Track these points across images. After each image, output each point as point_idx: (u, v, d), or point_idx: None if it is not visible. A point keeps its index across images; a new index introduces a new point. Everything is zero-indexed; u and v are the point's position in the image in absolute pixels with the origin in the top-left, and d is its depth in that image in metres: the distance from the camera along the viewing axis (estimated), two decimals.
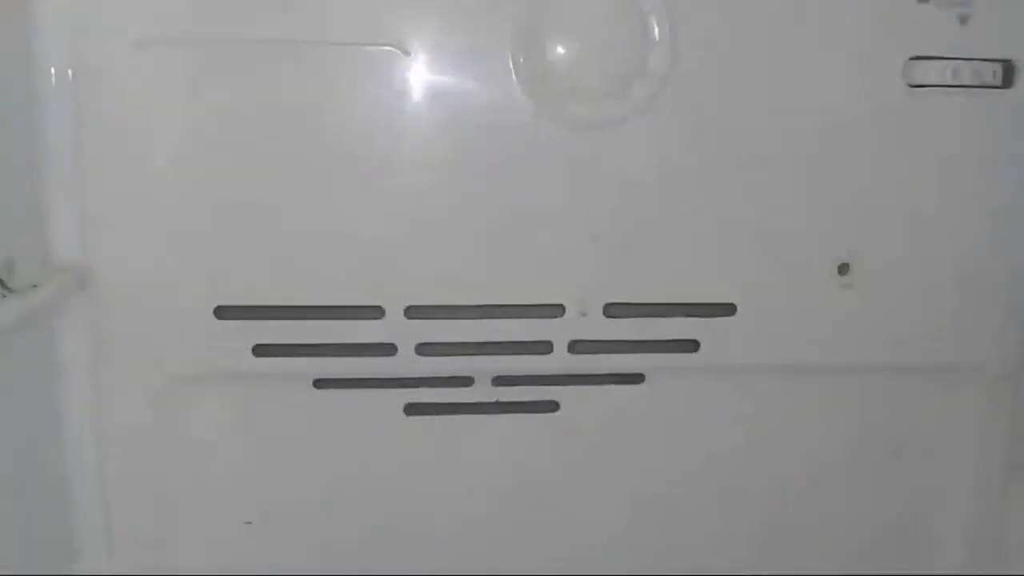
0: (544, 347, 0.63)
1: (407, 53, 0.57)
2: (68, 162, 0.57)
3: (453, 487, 0.66)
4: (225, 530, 0.64)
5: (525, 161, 0.60)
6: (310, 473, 0.65)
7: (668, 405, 0.67)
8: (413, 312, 0.61)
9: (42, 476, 0.59)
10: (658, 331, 0.64)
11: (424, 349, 0.62)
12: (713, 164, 0.62)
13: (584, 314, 0.63)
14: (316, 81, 0.58)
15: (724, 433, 0.68)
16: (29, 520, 0.57)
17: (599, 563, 0.69)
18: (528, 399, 0.65)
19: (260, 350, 0.61)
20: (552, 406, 0.66)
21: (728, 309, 0.64)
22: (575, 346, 0.64)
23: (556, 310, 0.63)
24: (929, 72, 0.62)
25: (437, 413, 0.65)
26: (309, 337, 0.61)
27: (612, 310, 0.63)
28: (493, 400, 0.65)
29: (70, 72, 0.56)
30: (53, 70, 0.56)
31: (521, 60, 0.58)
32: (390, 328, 0.61)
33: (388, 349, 0.62)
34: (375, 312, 0.61)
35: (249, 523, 0.64)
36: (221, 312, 0.60)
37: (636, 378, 0.66)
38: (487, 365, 0.64)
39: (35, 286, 0.54)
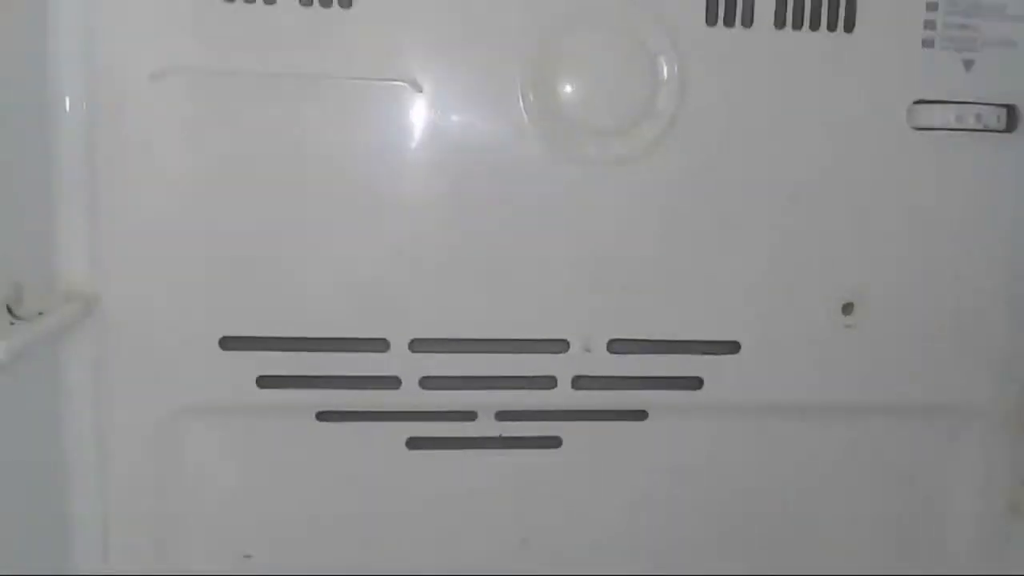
0: (548, 382, 0.63)
1: (419, 89, 0.58)
2: (79, 191, 0.57)
3: (455, 521, 0.66)
4: (225, 562, 0.64)
5: (533, 197, 0.61)
6: (311, 506, 0.64)
7: (671, 442, 0.66)
8: (418, 345, 0.61)
9: (44, 502, 0.59)
10: (662, 368, 0.64)
11: (428, 383, 0.62)
12: (719, 203, 0.62)
13: (588, 350, 0.63)
14: (327, 115, 0.58)
15: (727, 471, 0.68)
16: (31, 547, 0.56)
17: None
18: (531, 434, 0.65)
19: (264, 381, 0.60)
20: (555, 441, 0.65)
21: (732, 347, 0.64)
22: (579, 382, 0.64)
23: (560, 345, 0.63)
24: (934, 116, 0.63)
25: (440, 447, 0.64)
26: (313, 369, 0.61)
27: (616, 346, 0.63)
28: (496, 435, 0.65)
29: (84, 103, 0.56)
30: (68, 100, 0.56)
31: (531, 98, 0.59)
32: (394, 361, 0.61)
33: (392, 382, 0.62)
34: (380, 345, 0.61)
35: (249, 556, 0.64)
36: (226, 343, 0.60)
37: (639, 415, 0.66)
38: (491, 399, 0.64)
39: (42, 313, 0.54)
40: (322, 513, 0.64)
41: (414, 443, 0.64)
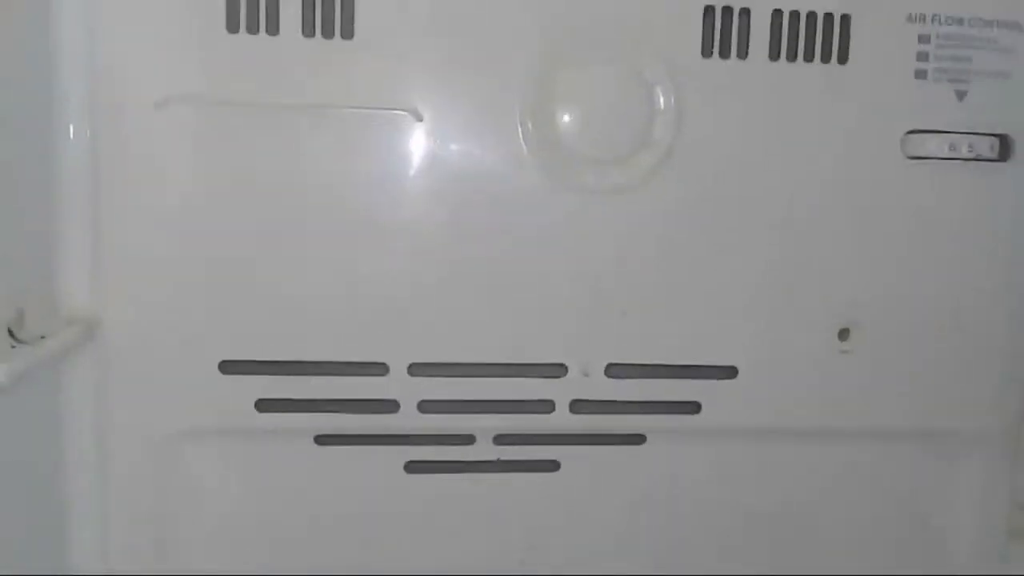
0: (546, 406, 0.64)
1: (419, 118, 0.59)
2: (81, 217, 0.57)
3: (453, 545, 0.66)
4: None
5: (531, 224, 0.61)
6: (310, 530, 0.64)
7: (669, 466, 0.67)
8: (416, 370, 0.62)
9: (44, 524, 0.59)
10: (660, 392, 0.65)
11: (426, 406, 0.62)
12: (715, 230, 0.63)
13: (586, 374, 0.64)
14: (328, 143, 0.59)
15: (725, 495, 0.68)
16: (30, 568, 0.57)
17: None
18: (529, 458, 0.65)
19: (263, 405, 0.61)
20: (553, 465, 0.66)
21: (730, 372, 0.65)
22: (577, 406, 0.64)
23: (558, 370, 0.63)
24: (928, 145, 0.64)
25: (438, 471, 0.64)
26: (312, 393, 0.61)
27: (614, 371, 0.64)
28: (494, 459, 0.65)
29: (88, 130, 0.57)
30: (72, 127, 0.57)
31: (530, 127, 0.60)
32: (393, 385, 0.62)
33: (391, 406, 0.62)
34: (379, 369, 0.61)
35: None
36: (226, 367, 0.60)
37: (637, 439, 0.66)
38: (489, 423, 0.64)
39: (43, 337, 0.55)
40: (320, 537, 0.64)
41: (412, 467, 0.64)
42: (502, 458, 0.65)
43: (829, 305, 0.65)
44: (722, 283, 0.63)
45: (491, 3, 0.59)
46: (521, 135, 0.60)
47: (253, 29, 0.57)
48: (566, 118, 0.60)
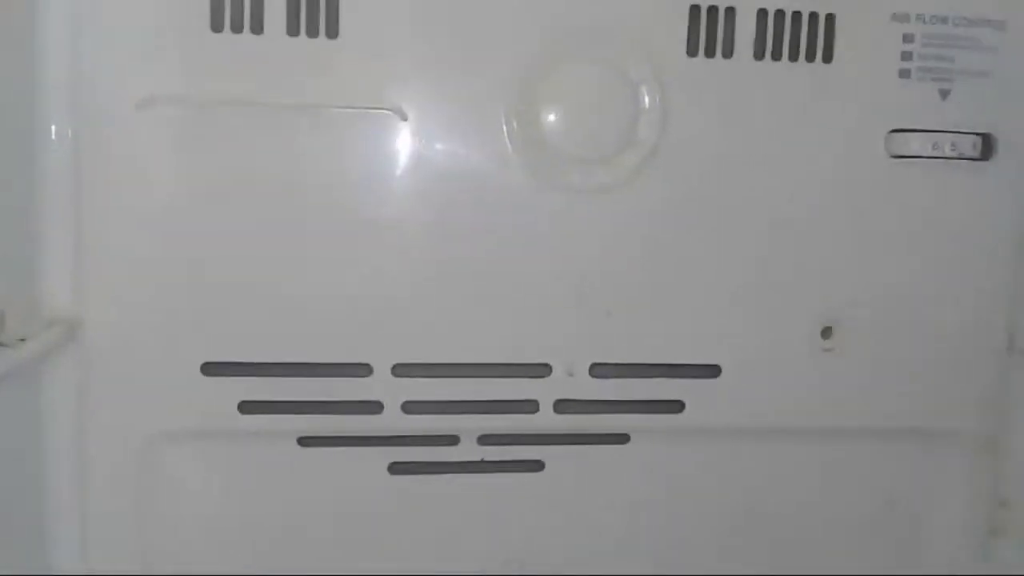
0: (530, 406, 0.64)
1: (404, 118, 0.59)
2: (63, 218, 0.57)
3: (438, 546, 0.66)
4: None
5: (516, 223, 0.61)
6: (293, 531, 0.64)
7: (653, 465, 0.67)
8: (400, 370, 0.62)
9: (24, 526, 0.58)
10: (644, 392, 0.65)
11: (410, 407, 0.62)
12: (700, 229, 0.63)
13: (571, 374, 0.64)
14: (311, 142, 0.58)
15: (709, 494, 0.68)
16: (11, 568, 0.56)
17: None
18: (514, 458, 0.65)
19: (246, 407, 0.60)
20: (538, 465, 0.66)
21: (713, 371, 0.65)
22: (561, 406, 0.64)
23: (543, 370, 0.63)
24: (911, 144, 0.64)
25: (422, 472, 0.64)
26: (296, 394, 0.61)
27: (598, 370, 0.64)
28: (479, 459, 0.65)
29: (70, 130, 0.56)
30: (54, 127, 0.56)
31: (515, 126, 0.60)
32: (377, 386, 0.61)
33: (374, 407, 0.62)
34: (363, 370, 0.61)
35: None
36: (208, 368, 0.60)
37: (622, 438, 0.66)
38: (473, 424, 0.64)
39: (24, 339, 0.54)
40: (304, 539, 0.64)
41: (396, 468, 0.64)
42: (486, 458, 0.65)
43: (812, 304, 0.65)
44: (706, 282, 0.64)
45: (476, 3, 0.59)
46: (506, 134, 0.60)
47: (237, 28, 0.56)
48: (551, 117, 0.60)
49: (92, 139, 0.56)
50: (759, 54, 0.61)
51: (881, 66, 0.63)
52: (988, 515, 0.70)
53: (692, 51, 0.61)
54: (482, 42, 0.59)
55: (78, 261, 0.58)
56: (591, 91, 0.60)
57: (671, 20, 0.60)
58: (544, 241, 0.61)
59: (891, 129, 0.63)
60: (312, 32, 0.57)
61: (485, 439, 0.65)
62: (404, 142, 0.59)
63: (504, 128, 0.59)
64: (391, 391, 0.62)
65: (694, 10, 0.60)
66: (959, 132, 0.64)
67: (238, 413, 0.60)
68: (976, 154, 0.65)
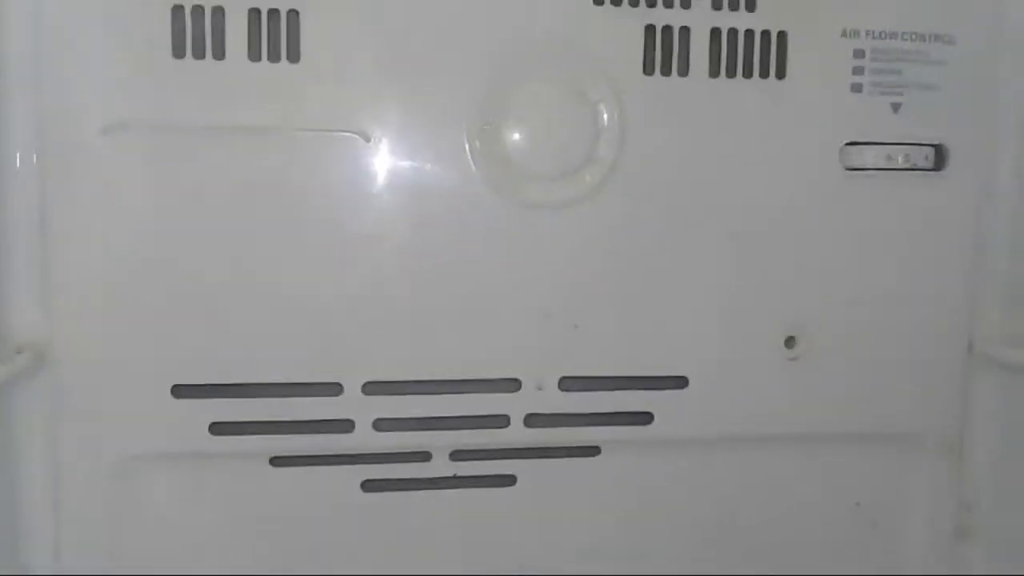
0: (501, 421, 0.64)
1: (368, 139, 0.60)
2: (30, 244, 0.57)
3: (411, 562, 0.66)
4: None
5: (480, 241, 0.62)
6: (268, 551, 0.64)
7: (624, 477, 0.68)
8: (371, 388, 0.62)
9: None
10: (612, 404, 0.66)
11: (382, 424, 0.63)
12: (662, 243, 0.64)
13: (540, 388, 0.64)
14: (276, 166, 0.59)
15: (680, 504, 0.69)
16: None
17: None
18: (486, 473, 0.66)
19: (217, 428, 0.61)
20: (510, 480, 0.66)
21: (680, 382, 0.66)
22: (531, 420, 0.65)
23: (512, 384, 0.64)
24: (865, 157, 0.65)
25: (395, 489, 0.65)
26: (267, 415, 0.61)
27: (567, 384, 0.65)
28: (451, 475, 0.66)
29: (35, 156, 0.57)
30: (18, 154, 0.57)
31: (477, 145, 0.61)
32: (348, 404, 0.62)
33: (346, 426, 0.62)
34: (334, 389, 0.62)
35: None
36: (178, 391, 0.60)
37: (592, 451, 0.67)
38: (445, 440, 0.64)
39: None
40: (278, 558, 0.64)
41: (369, 485, 0.65)
42: (459, 474, 0.66)
43: (775, 314, 0.66)
44: (670, 295, 0.65)
45: (436, 25, 0.60)
46: (468, 153, 0.61)
47: (199, 54, 0.57)
48: (514, 136, 0.61)
49: (57, 165, 0.57)
50: (714, 72, 0.63)
51: (833, 81, 0.64)
52: (954, 517, 0.72)
53: (648, 70, 0.62)
54: (442, 64, 0.60)
55: (45, 287, 0.58)
56: (551, 110, 0.61)
57: (628, 40, 0.62)
58: (509, 258, 0.62)
59: (845, 142, 0.65)
60: (274, 57, 0.58)
61: (457, 455, 0.65)
62: (368, 163, 0.60)
63: (467, 147, 0.61)
64: (362, 409, 0.62)
65: (649, 29, 0.62)
66: (912, 144, 0.66)
67: (209, 435, 0.61)
68: (929, 165, 0.67)
